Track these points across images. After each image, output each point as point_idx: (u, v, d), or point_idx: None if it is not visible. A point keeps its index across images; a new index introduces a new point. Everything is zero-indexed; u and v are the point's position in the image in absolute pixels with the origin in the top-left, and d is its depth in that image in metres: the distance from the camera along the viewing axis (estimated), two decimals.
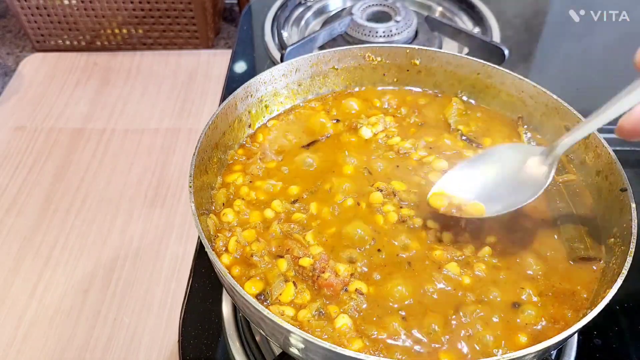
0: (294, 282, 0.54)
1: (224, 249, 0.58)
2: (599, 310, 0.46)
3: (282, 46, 1.06)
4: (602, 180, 0.61)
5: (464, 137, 0.70)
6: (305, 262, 0.55)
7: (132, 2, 2.09)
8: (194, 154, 0.58)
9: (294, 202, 0.62)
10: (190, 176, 0.56)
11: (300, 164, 0.67)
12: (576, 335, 0.65)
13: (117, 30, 2.19)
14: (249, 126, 0.71)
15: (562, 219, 0.61)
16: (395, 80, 0.77)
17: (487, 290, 0.54)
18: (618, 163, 0.58)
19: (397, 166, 0.67)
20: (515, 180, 0.59)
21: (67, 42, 2.23)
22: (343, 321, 0.51)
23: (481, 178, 0.61)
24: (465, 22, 1.14)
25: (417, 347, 0.50)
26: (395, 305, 0.53)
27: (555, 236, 0.60)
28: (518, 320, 0.53)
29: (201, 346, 0.67)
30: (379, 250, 0.58)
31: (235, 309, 0.69)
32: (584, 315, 0.48)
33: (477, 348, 0.50)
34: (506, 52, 0.93)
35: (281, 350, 0.61)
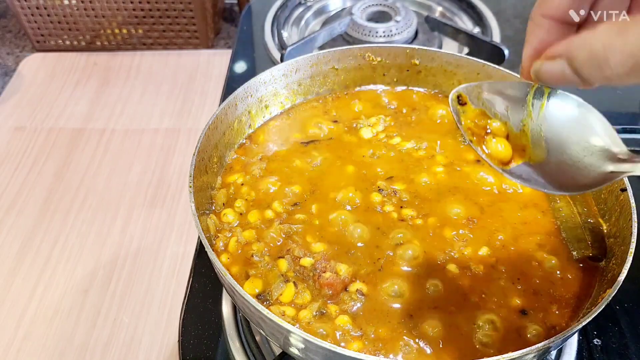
0: (294, 282, 0.54)
1: (223, 249, 0.58)
2: (599, 310, 0.46)
3: (282, 46, 1.06)
4: None
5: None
6: (306, 262, 0.55)
7: (132, 2, 2.09)
8: (194, 154, 0.58)
9: (295, 202, 0.62)
10: (190, 176, 0.56)
11: (301, 164, 0.67)
12: (576, 335, 0.66)
13: (117, 30, 2.19)
14: (249, 126, 0.71)
15: (562, 219, 0.61)
16: (395, 80, 0.77)
17: (487, 290, 0.55)
18: None
19: (398, 166, 0.67)
20: (563, 151, 0.44)
21: (67, 42, 2.22)
22: (343, 321, 0.51)
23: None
24: (465, 22, 1.14)
25: (417, 347, 0.50)
26: (396, 305, 0.53)
27: (555, 236, 0.60)
28: (518, 319, 0.53)
29: (201, 346, 0.67)
30: (378, 247, 0.58)
31: (235, 309, 0.69)
32: (584, 315, 0.48)
33: (478, 347, 0.51)
34: (506, 52, 0.94)
35: (281, 350, 0.61)
